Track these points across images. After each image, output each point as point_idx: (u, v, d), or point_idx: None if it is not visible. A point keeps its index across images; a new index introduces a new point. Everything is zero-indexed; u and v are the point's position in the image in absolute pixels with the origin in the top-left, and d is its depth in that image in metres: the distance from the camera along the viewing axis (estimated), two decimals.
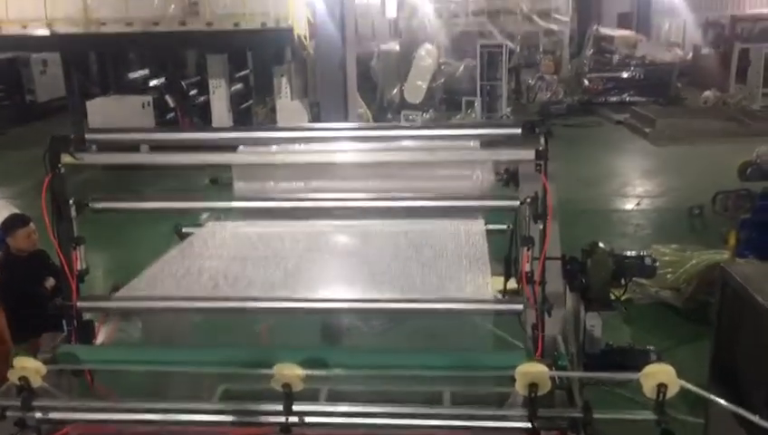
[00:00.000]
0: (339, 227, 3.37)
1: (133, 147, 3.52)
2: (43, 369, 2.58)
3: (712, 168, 11.71)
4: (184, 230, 3.59)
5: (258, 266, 3.16)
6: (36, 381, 2.57)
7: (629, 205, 10.96)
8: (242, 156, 3.04)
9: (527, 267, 2.92)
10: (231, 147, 3.05)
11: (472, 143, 3.10)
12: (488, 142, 3.02)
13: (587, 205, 10.44)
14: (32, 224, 5.15)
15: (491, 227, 3.47)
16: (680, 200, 10.60)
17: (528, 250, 2.92)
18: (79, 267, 3.07)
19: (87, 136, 3.11)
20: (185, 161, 2.94)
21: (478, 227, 3.34)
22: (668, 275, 7.05)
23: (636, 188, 12.03)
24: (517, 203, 3.04)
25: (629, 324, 6.52)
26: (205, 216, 3.71)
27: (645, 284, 7.09)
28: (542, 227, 2.89)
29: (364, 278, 3.05)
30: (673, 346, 6.20)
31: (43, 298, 4.63)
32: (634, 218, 10.28)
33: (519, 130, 2.95)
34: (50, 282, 4.94)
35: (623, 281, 5.00)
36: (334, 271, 3.15)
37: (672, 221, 9.96)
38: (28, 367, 2.56)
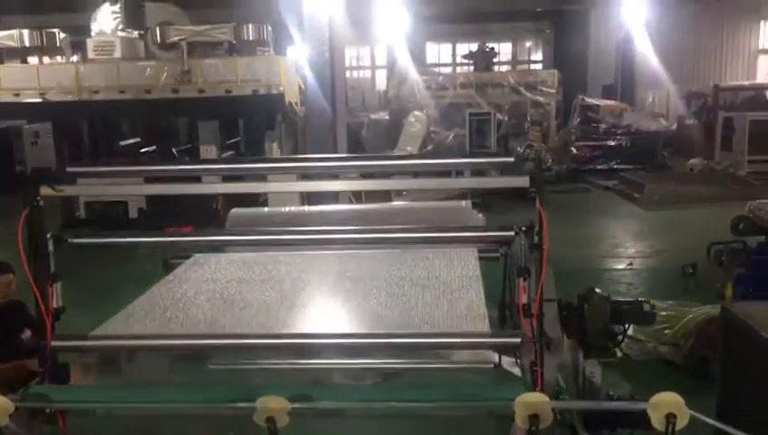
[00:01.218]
0: (328, 258, 3.26)
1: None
2: (10, 406, 2.41)
3: (702, 230, 11.66)
4: (172, 261, 3.47)
5: (237, 309, 3.03)
6: (3, 420, 2.40)
7: (621, 265, 10.88)
8: (227, 185, 2.95)
9: (524, 299, 2.81)
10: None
11: (464, 204, 3.06)
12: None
13: (578, 265, 10.34)
14: (11, 275, 4.98)
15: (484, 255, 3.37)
16: (672, 261, 10.52)
17: (524, 281, 2.82)
18: (55, 305, 2.93)
19: (68, 169, 3.03)
20: (165, 192, 2.85)
21: (472, 258, 3.24)
22: (666, 331, 6.90)
23: (627, 249, 11.98)
24: (512, 233, 2.95)
25: (629, 380, 6.30)
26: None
27: (643, 340, 6.94)
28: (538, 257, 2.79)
29: (354, 313, 2.92)
30: None
31: (18, 352, 4.44)
32: (626, 278, 10.17)
33: (512, 159, 2.90)
34: (26, 334, 4.74)
35: (621, 328, 4.87)
36: (324, 303, 3.02)
37: (665, 280, 9.87)
38: None
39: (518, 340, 2.75)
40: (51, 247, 2.95)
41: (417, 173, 3.02)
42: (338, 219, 2.89)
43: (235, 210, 3.78)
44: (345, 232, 2.97)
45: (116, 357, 3.17)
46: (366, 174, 2.99)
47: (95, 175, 3.04)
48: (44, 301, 2.89)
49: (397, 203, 3.09)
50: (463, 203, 3.09)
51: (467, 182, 2.91)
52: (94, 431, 3.04)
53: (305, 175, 3.07)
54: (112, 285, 7.90)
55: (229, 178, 3.07)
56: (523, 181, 2.78)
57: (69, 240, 3.05)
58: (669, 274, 9.97)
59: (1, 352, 4.63)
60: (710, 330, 6.33)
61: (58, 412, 2.75)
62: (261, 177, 3.08)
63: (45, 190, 2.90)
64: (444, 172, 3.23)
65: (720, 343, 3.56)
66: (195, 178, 3.08)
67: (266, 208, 3.06)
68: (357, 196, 14.56)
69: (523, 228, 2.87)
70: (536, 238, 2.80)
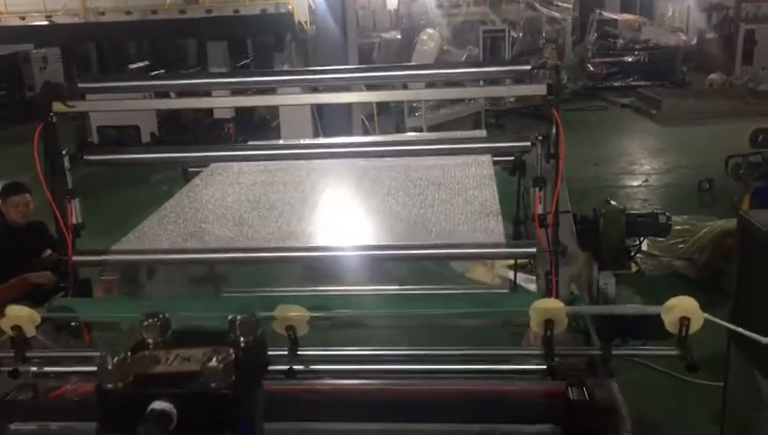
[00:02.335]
0: (345, 166, 3.25)
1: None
2: (37, 317, 2.45)
3: (719, 146, 11.51)
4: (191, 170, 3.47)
5: (263, 210, 3.05)
6: (30, 331, 2.45)
7: (637, 181, 10.82)
8: (238, 99, 2.92)
9: (539, 210, 2.81)
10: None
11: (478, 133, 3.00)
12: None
13: (594, 183, 10.31)
14: (28, 195, 5.00)
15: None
16: (688, 176, 10.46)
17: (540, 191, 2.80)
18: (74, 221, 2.96)
19: (80, 84, 3.00)
20: (182, 105, 2.82)
21: (487, 168, 3.21)
22: (681, 245, 6.92)
23: (643, 166, 11.89)
24: (528, 143, 2.91)
25: (642, 295, 6.36)
26: None
27: (657, 255, 6.96)
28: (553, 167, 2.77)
29: (372, 221, 2.93)
30: None
31: (39, 270, 4.51)
32: (642, 194, 10.14)
33: (528, 68, 2.84)
34: (46, 253, 4.80)
35: (636, 240, 4.88)
36: (341, 213, 3.02)
37: (681, 196, 9.83)
38: (21, 315, 2.43)
39: (533, 249, 2.76)
40: (67, 164, 2.95)
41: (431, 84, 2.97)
42: (354, 147, 2.86)
43: (250, 144, 3.73)
44: (361, 145, 2.95)
45: (137, 272, 3.22)
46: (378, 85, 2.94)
47: (106, 91, 3.00)
48: (63, 217, 2.92)
49: (412, 134, 3.10)
50: (478, 132, 3.05)
51: (483, 91, 2.85)
52: (118, 344, 3.11)
53: (315, 88, 3.02)
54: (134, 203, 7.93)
55: (239, 92, 3.00)
56: (540, 89, 2.72)
57: (84, 156, 3.06)
58: (686, 189, 9.93)
59: (24, 273, 4.70)
60: (725, 243, 6.35)
61: (83, 325, 2.82)
62: (271, 90, 3.04)
63: (58, 106, 2.88)
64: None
65: (736, 251, 3.55)
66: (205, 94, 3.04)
67: (281, 141, 3.05)
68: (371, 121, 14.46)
69: (539, 137, 2.83)
70: (552, 148, 2.76)
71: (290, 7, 13.34)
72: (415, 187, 3.11)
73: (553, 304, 2.31)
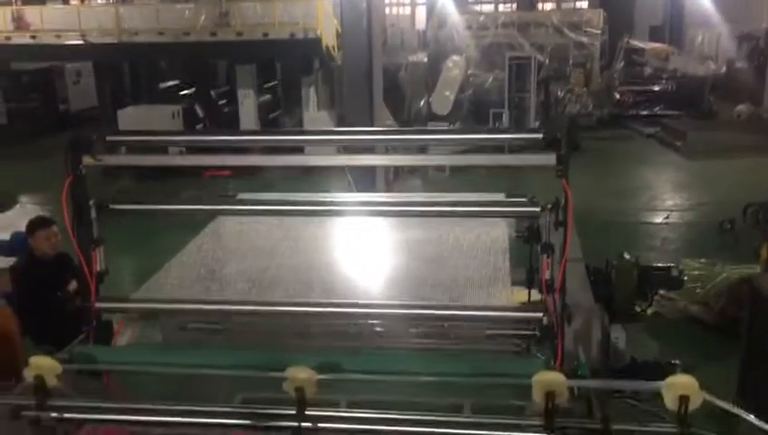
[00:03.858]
0: (356, 227, 3.35)
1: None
2: (58, 368, 2.57)
3: (744, 182, 11.49)
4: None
5: (278, 265, 3.16)
6: (52, 381, 2.57)
7: (658, 218, 10.78)
8: (263, 158, 3.04)
9: (547, 275, 2.87)
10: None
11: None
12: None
13: (615, 217, 10.30)
14: (54, 227, 5.15)
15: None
16: (711, 215, 10.40)
17: (548, 258, 2.87)
18: (98, 268, 3.08)
19: (108, 138, 3.13)
20: (207, 163, 2.94)
21: (501, 230, 3.29)
22: (698, 290, 6.88)
23: (665, 201, 11.84)
24: (538, 209, 2.98)
25: (656, 339, 6.37)
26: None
27: (674, 298, 6.94)
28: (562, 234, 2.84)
29: (382, 282, 3.02)
30: (701, 362, 6.04)
31: (65, 302, 4.64)
32: (662, 232, 10.10)
33: (540, 135, 2.91)
34: (72, 285, 4.93)
35: (648, 294, 4.92)
36: (352, 273, 3.12)
37: (702, 235, 9.77)
38: (44, 366, 2.56)
39: (540, 314, 2.83)
40: (93, 214, 3.08)
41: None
42: (371, 206, 2.96)
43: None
44: (371, 204, 3.05)
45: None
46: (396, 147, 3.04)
47: (134, 144, 3.13)
48: (88, 265, 3.04)
49: (426, 195, 3.26)
50: (495, 195, 3.18)
51: (494, 159, 2.93)
52: (136, 386, 3.22)
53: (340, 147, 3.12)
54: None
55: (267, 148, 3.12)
56: (549, 159, 2.80)
57: (110, 206, 3.18)
58: (707, 228, 9.87)
59: (51, 301, 4.84)
60: (742, 291, 6.31)
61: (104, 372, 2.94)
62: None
63: (88, 160, 3.01)
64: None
65: (745, 317, 3.58)
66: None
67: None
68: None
69: (549, 206, 2.90)
70: (561, 216, 2.83)
71: (318, 32, 13.54)
72: (425, 247, 3.20)
73: (555, 377, 2.38)
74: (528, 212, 3.02)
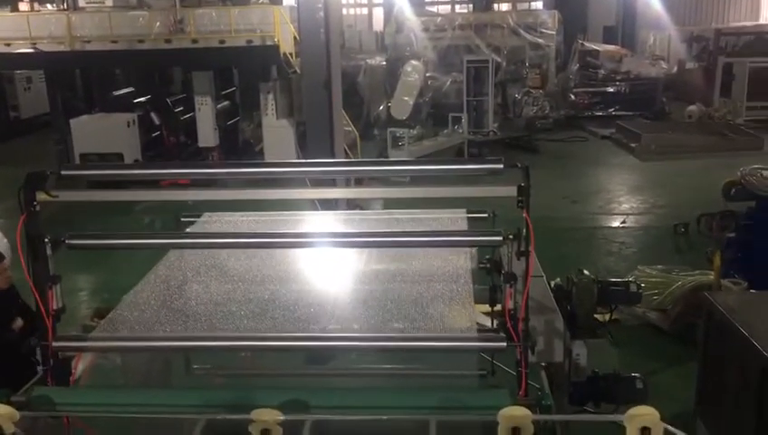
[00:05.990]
0: (317, 253, 3.35)
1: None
2: (16, 415, 2.52)
3: (697, 184, 11.77)
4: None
5: (239, 293, 3.14)
6: (9, 429, 2.51)
7: (615, 223, 10.98)
8: (217, 192, 3.00)
9: (510, 305, 2.90)
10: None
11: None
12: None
13: (572, 223, 10.47)
14: (6, 261, 4.90)
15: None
16: (665, 218, 10.64)
17: (510, 287, 2.90)
18: (55, 306, 3.01)
19: (63, 172, 3.06)
20: (162, 198, 2.89)
21: (464, 258, 3.31)
22: (655, 297, 7.05)
23: (621, 204, 12.06)
24: (500, 238, 3.01)
25: (616, 347, 6.49)
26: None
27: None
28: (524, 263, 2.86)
29: (342, 308, 3.02)
30: (660, 369, 6.19)
31: (10, 342, 4.47)
32: (619, 236, 10.29)
33: (501, 166, 2.93)
34: (17, 323, 4.69)
35: (609, 308, 5.00)
36: (311, 299, 3.11)
37: (657, 239, 9.99)
38: (1, 414, 2.49)
39: (503, 344, 2.85)
40: (49, 251, 3.00)
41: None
42: (330, 238, 2.96)
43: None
44: (334, 235, 3.04)
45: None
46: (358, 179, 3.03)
47: (91, 178, 3.07)
48: (44, 303, 2.97)
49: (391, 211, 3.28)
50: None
51: (457, 191, 2.95)
52: (97, 427, 3.16)
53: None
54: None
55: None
56: (510, 190, 2.83)
57: (67, 241, 3.10)
58: (662, 232, 10.09)
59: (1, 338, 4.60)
60: (697, 298, 6.47)
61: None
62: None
63: (42, 196, 2.94)
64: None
65: (700, 333, 3.67)
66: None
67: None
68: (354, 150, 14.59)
69: (511, 236, 2.92)
70: (522, 246, 2.86)
71: (275, 40, 13.45)
72: (385, 273, 3.21)
73: (520, 413, 2.40)
74: (490, 241, 3.04)
